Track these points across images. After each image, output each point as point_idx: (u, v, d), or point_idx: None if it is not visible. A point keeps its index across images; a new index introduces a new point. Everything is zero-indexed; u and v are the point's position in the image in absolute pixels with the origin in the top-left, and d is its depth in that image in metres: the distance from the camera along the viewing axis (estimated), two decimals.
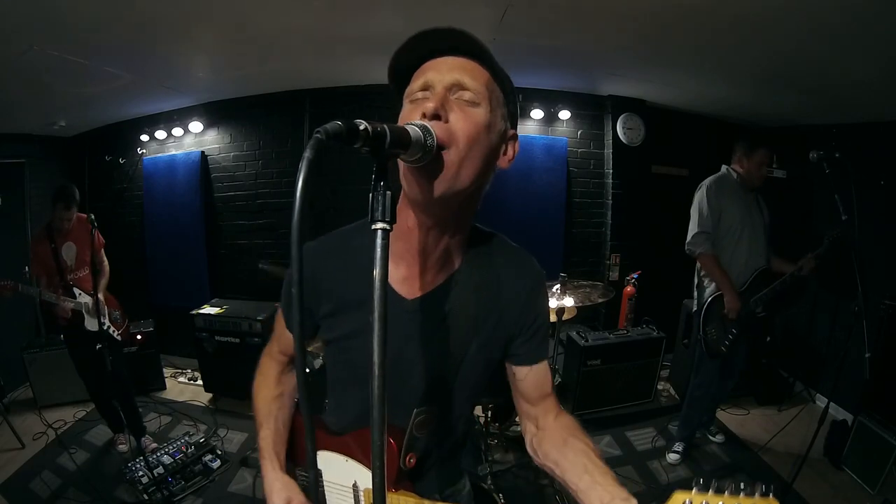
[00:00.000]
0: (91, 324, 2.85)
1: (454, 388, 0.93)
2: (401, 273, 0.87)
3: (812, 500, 2.54)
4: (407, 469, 0.94)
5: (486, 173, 0.80)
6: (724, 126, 4.23)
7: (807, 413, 3.33)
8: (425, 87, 0.76)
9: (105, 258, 3.16)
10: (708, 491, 0.69)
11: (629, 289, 3.86)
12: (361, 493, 0.98)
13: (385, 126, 0.60)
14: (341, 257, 0.89)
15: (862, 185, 2.39)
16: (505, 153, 0.84)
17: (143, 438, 3.06)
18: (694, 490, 0.70)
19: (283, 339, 1.05)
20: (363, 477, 0.98)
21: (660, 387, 3.73)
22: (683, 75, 3.28)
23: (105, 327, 2.89)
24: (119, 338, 3.10)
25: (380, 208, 0.60)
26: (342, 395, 1.01)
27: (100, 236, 3.07)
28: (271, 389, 1.06)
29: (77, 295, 2.87)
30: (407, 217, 0.81)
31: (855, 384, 2.77)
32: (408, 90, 0.78)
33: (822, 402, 3.39)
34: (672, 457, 2.93)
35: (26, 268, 2.72)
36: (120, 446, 3.07)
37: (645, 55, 2.94)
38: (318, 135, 0.52)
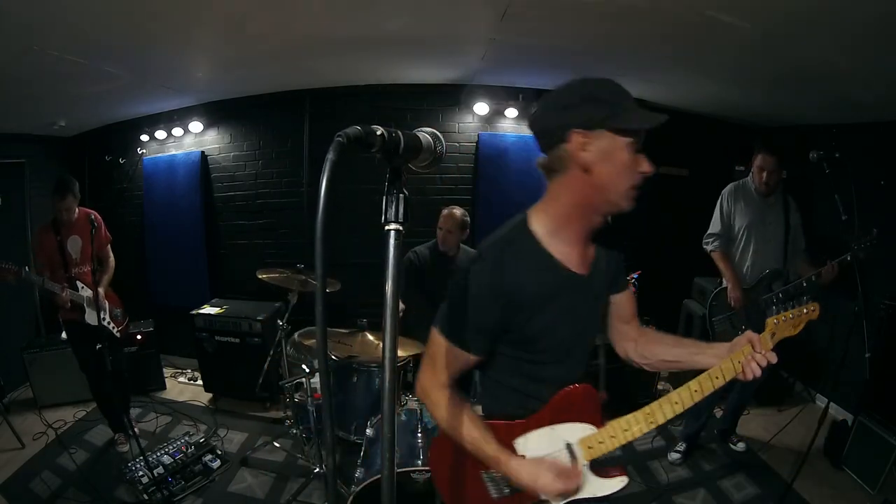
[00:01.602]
0: (91, 317, 2.85)
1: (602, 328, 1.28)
2: (573, 259, 1.09)
3: (812, 500, 2.53)
4: (605, 403, 1.18)
5: None
6: (725, 126, 4.22)
7: (807, 413, 3.33)
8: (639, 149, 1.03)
9: (111, 254, 3.18)
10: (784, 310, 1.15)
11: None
12: (576, 447, 1.13)
13: (399, 132, 0.64)
14: (518, 265, 1.04)
15: (862, 185, 2.39)
16: None
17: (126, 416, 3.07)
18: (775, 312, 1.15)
19: (454, 363, 1.10)
20: (571, 432, 1.14)
21: (660, 387, 3.73)
22: (683, 75, 3.28)
23: (105, 322, 2.89)
24: (118, 335, 3.11)
25: (393, 210, 0.63)
26: (533, 379, 1.15)
27: (107, 233, 3.12)
28: (465, 409, 1.12)
29: (80, 288, 2.87)
30: (582, 221, 1.07)
31: (855, 384, 2.78)
32: (630, 137, 1.01)
33: (822, 402, 3.39)
34: (673, 456, 2.93)
35: (26, 267, 2.70)
36: (120, 446, 3.07)
37: (645, 55, 2.94)
38: (340, 138, 0.57)
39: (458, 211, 3.11)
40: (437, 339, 1.11)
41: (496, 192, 3.96)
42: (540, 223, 1.08)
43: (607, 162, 0.98)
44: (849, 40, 2.22)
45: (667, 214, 4.12)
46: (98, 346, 2.61)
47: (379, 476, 1.78)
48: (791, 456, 2.88)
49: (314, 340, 2.54)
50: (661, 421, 1.13)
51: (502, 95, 3.84)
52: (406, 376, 2.76)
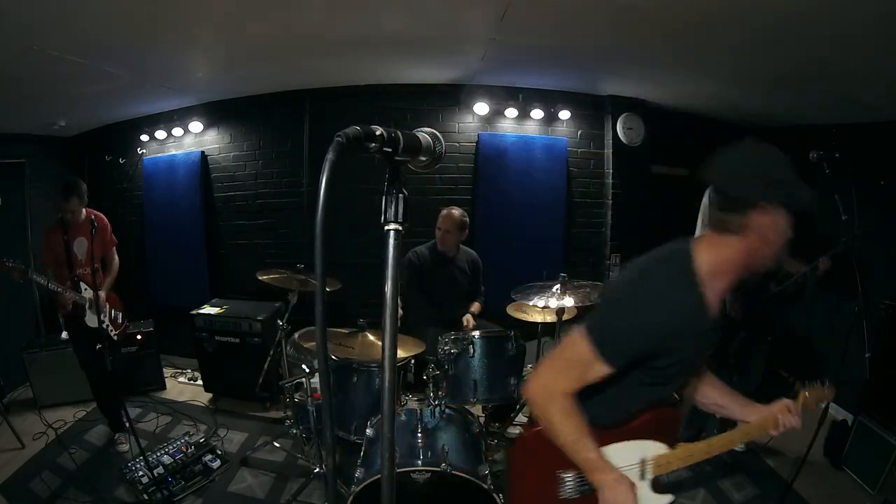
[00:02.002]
0: (91, 320, 2.88)
1: None
2: (715, 305, 1.15)
3: (812, 500, 2.53)
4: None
5: None
6: (725, 126, 4.22)
7: (807, 413, 3.33)
8: None
9: (116, 257, 3.22)
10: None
11: None
12: (648, 464, 1.26)
13: (399, 132, 0.64)
14: (683, 304, 1.10)
15: (862, 185, 2.39)
16: None
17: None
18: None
19: (589, 373, 1.13)
20: (649, 449, 1.26)
21: None
22: (683, 75, 3.28)
23: (104, 325, 2.90)
24: (115, 338, 3.13)
25: (392, 210, 0.64)
26: (632, 397, 1.24)
27: (113, 236, 3.19)
28: (580, 420, 1.16)
29: (83, 290, 2.90)
30: (736, 276, 1.15)
31: (855, 384, 2.77)
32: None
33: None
34: None
35: (26, 276, 2.72)
36: (120, 446, 3.08)
37: (645, 55, 2.94)
38: (340, 138, 0.57)
39: (456, 211, 3.11)
40: (583, 346, 1.12)
41: (496, 192, 3.96)
42: (703, 265, 1.12)
43: (778, 235, 1.09)
44: (849, 40, 2.22)
45: (667, 214, 4.13)
46: (98, 346, 2.62)
47: (379, 476, 1.78)
48: (791, 456, 2.88)
49: (313, 343, 2.54)
50: (716, 453, 1.31)
51: (502, 95, 3.84)
52: (406, 376, 2.77)
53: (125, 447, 3.06)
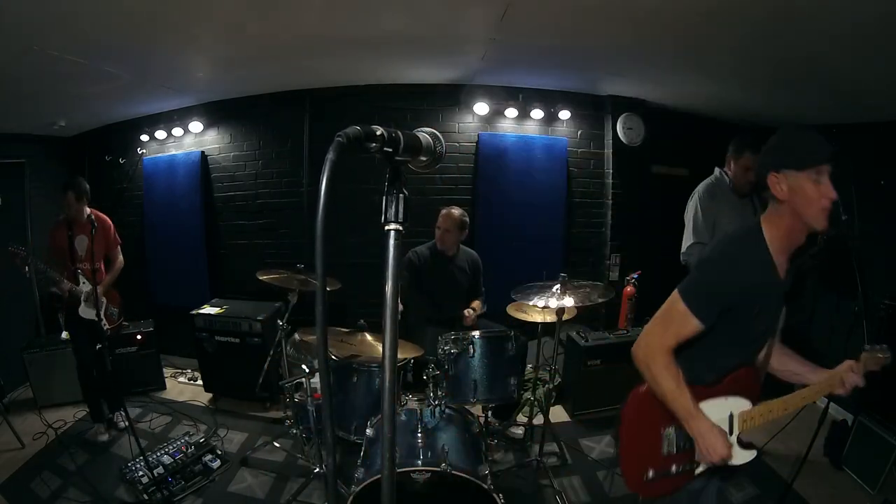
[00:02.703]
0: (85, 311, 3.04)
1: None
2: (782, 267, 1.34)
3: (812, 500, 2.53)
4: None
5: None
6: (725, 126, 4.22)
7: (807, 413, 3.32)
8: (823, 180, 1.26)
9: (120, 256, 3.33)
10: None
11: (629, 289, 3.85)
12: (736, 419, 1.40)
13: (399, 132, 0.64)
14: (757, 264, 1.32)
15: (862, 185, 2.38)
16: None
17: (116, 413, 3.21)
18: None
19: (684, 330, 1.32)
20: (737, 405, 1.41)
21: None
22: (684, 75, 3.28)
23: (99, 319, 2.94)
24: (108, 332, 3.20)
25: (393, 210, 0.63)
26: (722, 355, 1.40)
27: (117, 237, 3.32)
28: (677, 372, 1.33)
29: (81, 282, 3.04)
30: (792, 239, 1.33)
31: None
32: (817, 170, 1.24)
33: (822, 402, 3.38)
34: None
35: (26, 268, 2.77)
36: (100, 436, 3.10)
37: (645, 55, 2.94)
38: (340, 138, 0.57)
39: (456, 211, 3.11)
40: (679, 305, 1.32)
41: (496, 192, 3.96)
42: (768, 234, 1.33)
43: (796, 195, 1.26)
44: (849, 40, 2.22)
45: (667, 214, 4.13)
46: (98, 346, 2.66)
47: (379, 476, 1.78)
48: (791, 456, 2.87)
49: (313, 337, 2.54)
50: (792, 409, 1.48)
51: (502, 95, 3.84)
52: (406, 376, 2.76)
53: (105, 437, 3.11)
